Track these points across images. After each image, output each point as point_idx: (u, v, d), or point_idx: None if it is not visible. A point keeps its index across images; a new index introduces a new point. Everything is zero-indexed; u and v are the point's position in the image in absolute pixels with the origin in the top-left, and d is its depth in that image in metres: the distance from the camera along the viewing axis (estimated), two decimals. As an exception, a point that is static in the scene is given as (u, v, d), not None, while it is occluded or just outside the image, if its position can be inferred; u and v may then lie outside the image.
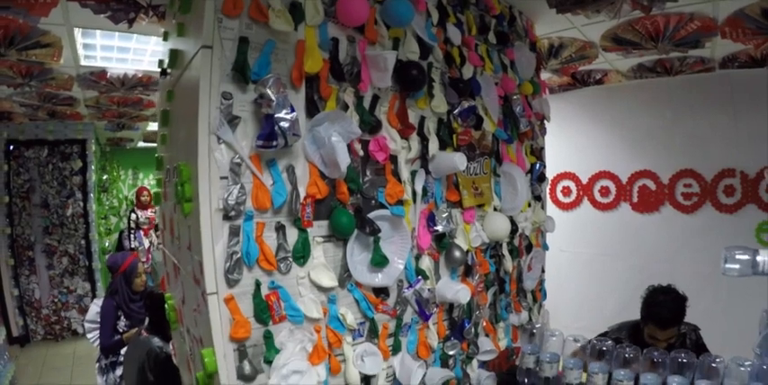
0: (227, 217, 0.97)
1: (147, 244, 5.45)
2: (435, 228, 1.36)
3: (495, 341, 1.71)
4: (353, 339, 1.20)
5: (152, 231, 6.00)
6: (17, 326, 5.20)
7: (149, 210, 6.01)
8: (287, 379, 1.06)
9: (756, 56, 2.85)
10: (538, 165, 1.87)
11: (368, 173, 1.22)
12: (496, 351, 1.69)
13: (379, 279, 1.21)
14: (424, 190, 1.35)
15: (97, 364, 3.15)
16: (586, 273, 3.39)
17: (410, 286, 1.32)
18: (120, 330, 2.99)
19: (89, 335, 3.27)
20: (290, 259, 1.06)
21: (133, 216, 5.90)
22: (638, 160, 3.35)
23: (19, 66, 3.00)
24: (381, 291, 1.26)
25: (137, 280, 3.09)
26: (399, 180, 1.28)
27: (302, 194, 1.07)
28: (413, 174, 1.33)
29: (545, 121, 1.98)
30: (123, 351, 2.92)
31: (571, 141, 3.43)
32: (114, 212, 6.80)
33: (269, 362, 1.05)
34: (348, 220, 1.12)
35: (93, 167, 5.70)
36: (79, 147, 5.59)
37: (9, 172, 4.96)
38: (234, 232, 0.98)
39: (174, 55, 1.26)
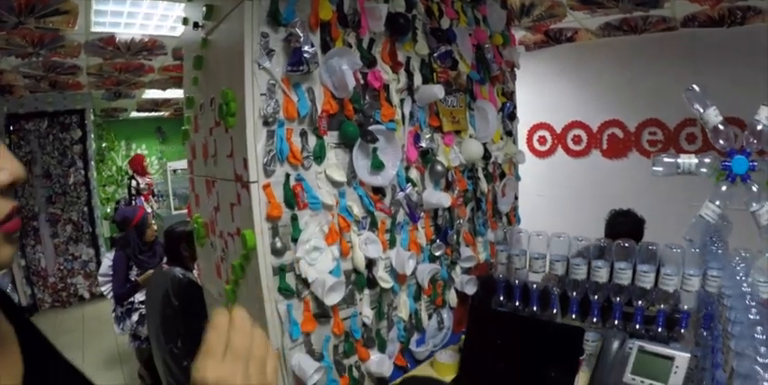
0: (265, 123, 1.30)
1: (148, 208, 5.70)
2: (420, 144, 1.70)
3: (475, 252, 2.06)
4: (359, 229, 1.55)
5: (151, 196, 6.26)
6: (25, 295, 5.41)
7: (147, 177, 6.24)
8: (309, 253, 1.41)
9: (714, 16, 3.12)
10: (508, 104, 2.19)
11: (367, 97, 1.55)
12: (476, 258, 2.04)
13: (377, 179, 1.55)
14: (411, 114, 1.69)
15: (113, 314, 3.47)
16: (560, 214, 3.74)
17: (402, 190, 1.66)
18: (132, 279, 3.30)
19: (103, 288, 3.58)
20: (311, 158, 1.40)
21: (133, 182, 6.12)
22: (607, 111, 3.65)
23: (32, 34, 3.20)
24: (379, 191, 1.60)
25: (148, 230, 3.40)
26: (391, 104, 1.61)
27: (319, 110, 1.40)
28: (402, 101, 1.66)
29: (515, 69, 2.29)
30: (137, 296, 3.23)
31: (546, 94, 3.72)
32: (112, 181, 7.01)
33: (294, 240, 1.39)
34: (353, 130, 1.46)
35: (92, 136, 5.85)
36: (78, 117, 5.73)
37: (10, 145, 5.07)
38: (270, 135, 1.32)
39: (211, 9, 1.56)
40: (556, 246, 1.76)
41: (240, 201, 1.39)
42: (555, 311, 1.78)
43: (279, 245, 1.35)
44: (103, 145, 7.02)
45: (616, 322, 1.64)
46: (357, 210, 1.52)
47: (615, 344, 1.52)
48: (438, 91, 1.67)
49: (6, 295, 0.70)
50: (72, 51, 3.72)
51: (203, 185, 1.79)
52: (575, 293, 1.71)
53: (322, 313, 1.48)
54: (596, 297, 1.68)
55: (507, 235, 1.89)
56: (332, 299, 1.43)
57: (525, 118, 2.50)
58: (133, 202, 5.87)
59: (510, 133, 2.25)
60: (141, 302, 3.16)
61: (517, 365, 1.57)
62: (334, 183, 1.46)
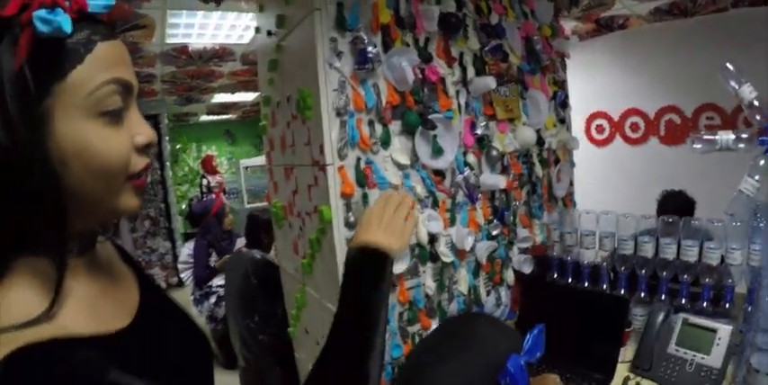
0: (338, 114, 1.51)
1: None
2: (476, 131, 1.85)
3: (531, 234, 2.18)
4: (422, 208, 1.72)
5: (222, 193, 6.69)
6: (107, 285, 6.00)
7: (218, 176, 6.66)
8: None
9: (763, -5, 3.08)
10: (560, 93, 2.30)
11: (425, 90, 1.72)
12: (532, 239, 2.17)
13: (437, 163, 1.72)
14: (466, 104, 1.84)
15: (192, 297, 3.80)
16: (621, 201, 3.75)
17: (460, 173, 1.81)
18: (211, 265, 3.62)
19: (182, 275, 3.93)
20: (378, 144, 1.59)
21: (204, 181, 6.54)
22: (663, 97, 3.63)
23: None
24: (439, 174, 1.77)
25: (226, 219, 3.71)
26: (447, 96, 1.77)
27: (384, 102, 1.59)
28: (457, 92, 1.82)
29: (565, 58, 2.39)
30: (215, 280, 3.54)
31: (602, 83, 3.74)
32: (185, 180, 7.50)
33: (366, 216, 1.58)
34: (414, 119, 1.63)
35: (166, 138, 6.32)
36: (152, 121, 6.24)
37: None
38: (342, 125, 1.52)
39: (282, 18, 1.77)
40: (605, 223, 1.88)
41: (317, 182, 1.60)
42: (605, 287, 1.88)
43: (352, 219, 1.55)
44: (177, 147, 7.53)
45: (663, 297, 1.73)
46: (420, 190, 1.69)
47: (660, 317, 1.61)
48: (490, 82, 1.82)
49: (122, 248, 0.86)
50: (148, 61, 4.09)
51: (282, 173, 2.02)
52: (623, 268, 1.82)
53: (390, 282, 1.67)
54: (643, 271, 1.78)
55: (561, 214, 2.01)
56: (397, 269, 1.61)
57: (582, 107, 2.58)
58: (204, 199, 6.31)
59: (563, 120, 2.36)
60: (219, 286, 3.46)
61: (567, 336, 1.67)
62: (399, 166, 1.65)
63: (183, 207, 6.82)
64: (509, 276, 2.10)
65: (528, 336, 1.04)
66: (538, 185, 2.23)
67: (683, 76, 3.53)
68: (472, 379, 0.94)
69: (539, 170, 2.20)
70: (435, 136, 1.71)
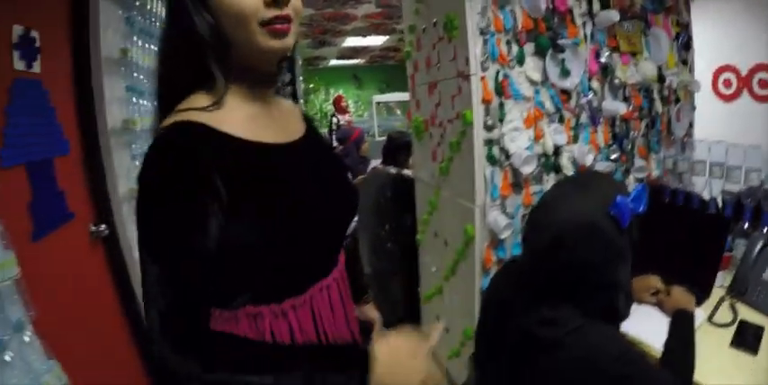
0: (481, 33, 1.83)
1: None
2: (600, 60, 2.08)
3: (648, 166, 2.35)
4: (549, 122, 1.99)
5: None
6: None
7: (347, 115, 7.26)
8: (511, 132, 1.89)
9: None
10: (683, 34, 2.44)
11: (555, 19, 1.98)
12: (648, 169, 2.33)
13: (564, 83, 1.98)
14: (592, 35, 2.07)
15: None
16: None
17: (585, 96, 2.05)
18: None
19: None
20: (514, 61, 1.89)
21: (334, 119, 7.12)
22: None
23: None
24: (566, 94, 2.02)
25: (363, 146, 4.18)
26: (575, 25, 2.02)
27: (519, 26, 1.88)
28: (583, 23, 2.06)
29: (689, 1, 2.51)
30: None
31: (732, 35, 3.60)
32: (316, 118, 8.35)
33: (501, 121, 1.88)
34: (545, 42, 1.91)
35: (300, 79, 7.02)
36: (287, 63, 7.02)
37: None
38: (484, 42, 1.84)
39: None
40: (716, 152, 2.02)
41: (461, 91, 1.93)
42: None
43: (489, 122, 1.86)
44: (310, 86, 8.35)
45: (765, 230, 1.80)
46: (549, 106, 1.97)
47: (759, 246, 1.71)
48: (614, 15, 2.03)
49: (307, 115, 1.10)
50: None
51: (425, 90, 2.38)
52: (729, 197, 1.94)
53: (516, 183, 1.95)
54: (749, 200, 1.89)
55: (676, 145, 2.17)
56: (526, 170, 1.90)
57: (710, 60, 2.63)
58: (345, 128, 6.91)
59: (685, 62, 2.49)
60: None
61: (670, 252, 1.78)
62: (531, 82, 1.93)
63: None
64: (625, 201, 2.28)
65: (634, 189, 1.27)
66: (657, 121, 2.38)
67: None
68: (588, 209, 1.18)
69: (658, 106, 2.36)
70: (563, 59, 1.96)
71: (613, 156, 2.20)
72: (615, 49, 2.16)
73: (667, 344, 1.32)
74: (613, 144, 2.21)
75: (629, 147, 2.28)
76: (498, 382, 1.33)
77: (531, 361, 1.20)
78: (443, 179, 2.23)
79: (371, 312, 1.22)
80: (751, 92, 3.62)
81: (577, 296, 1.19)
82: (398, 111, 8.70)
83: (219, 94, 0.79)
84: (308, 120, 1.05)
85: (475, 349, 1.49)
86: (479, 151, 1.87)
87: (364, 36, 6.49)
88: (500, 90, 1.87)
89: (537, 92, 1.95)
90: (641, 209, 1.19)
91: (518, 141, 1.91)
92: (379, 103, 7.99)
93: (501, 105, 1.88)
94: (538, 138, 1.96)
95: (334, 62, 8.74)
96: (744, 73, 3.66)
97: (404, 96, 8.32)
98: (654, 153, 2.39)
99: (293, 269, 0.83)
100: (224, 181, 0.72)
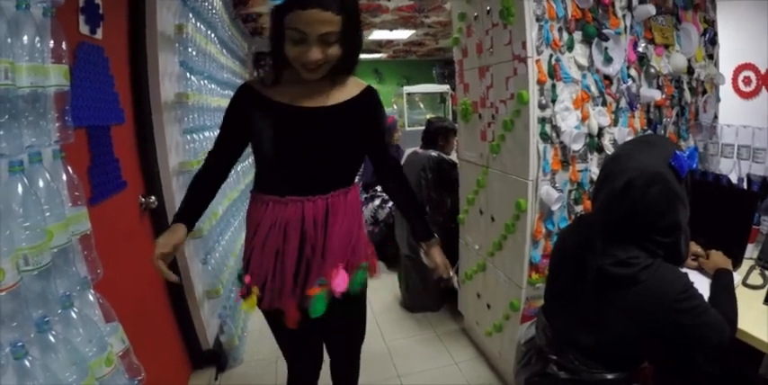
0: (537, 20, 2.00)
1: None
2: (638, 50, 2.26)
3: (678, 151, 2.52)
4: (594, 104, 2.16)
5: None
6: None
7: None
8: (562, 111, 2.06)
9: None
10: (709, 30, 2.63)
11: (600, 10, 2.16)
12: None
13: (608, 69, 2.15)
14: (631, 27, 2.26)
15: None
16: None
17: (624, 82, 2.23)
18: None
19: (354, 180, 4.60)
20: (565, 47, 2.06)
21: None
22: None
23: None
24: (608, 79, 2.19)
25: (396, 134, 4.28)
26: (617, 17, 2.20)
27: (569, 15, 2.06)
28: (623, 16, 2.24)
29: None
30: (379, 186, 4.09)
31: (753, 33, 3.76)
32: None
33: (553, 101, 2.05)
34: (592, 30, 2.09)
35: None
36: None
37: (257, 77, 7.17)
38: (539, 28, 2.01)
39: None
40: (743, 136, 2.19)
41: (516, 72, 2.10)
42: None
43: (543, 101, 2.03)
44: None
45: None
46: (594, 89, 2.14)
47: None
48: (651, 9, 2.22)
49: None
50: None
51: (475, 74, 2.55)
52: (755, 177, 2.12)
53: (564, 160, 2.12)
54: None
55: (704, 131, 2.35)
56: (575, 147, 2.06)
57: (731, 58, 2.81)
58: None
59: (711, 56, 2.68)
60: (382, 191, 4.03)
61: (702, 226, 1.82)
62: (579, 67, 2.11)
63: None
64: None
65: (687, 148, 1.43)
66: (686, 110, 2.56)
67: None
68: (653, 161, 1.34)
69: (688, 96, 2.54)
70: (606, 47, 2.14)
71: (648, 140, 2.37)
72: (651, 40, 2.35)
73: (712, 293, 1.52)
74: (648, 128, 2.38)
75: (663, 132, 2.45)
76: (575, 327, 1.47)
77: (609, 297, 1.36)
78: (493, 157, 2.39)
79: (436, 257, 1.73)
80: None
81: (646, 239, 1.35)
82: (422, 105, 8.94)
83: (271, 78, 1.43)
84: (360, 96, 1.52)
85: (545, 304, 1.63)
86: (534, 128, 2.03)
87: (391, 29, 6.63)
88: (552, 73, 2.04)
89: (584, 76, 2.13)
90: (695, 164, 1.37)
91: (568, 120, 2.07)
92: (409, 94, 8.50)
93: (553, 86, 2.05)
94: (584, 118, 2.12)
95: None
96: (763, 71, 3.83)
97: (431, 88, 8.85)
98: (683, 140, 2.56)
99: (279, 177, 1.47)
100: (250, 114, 1.42)
